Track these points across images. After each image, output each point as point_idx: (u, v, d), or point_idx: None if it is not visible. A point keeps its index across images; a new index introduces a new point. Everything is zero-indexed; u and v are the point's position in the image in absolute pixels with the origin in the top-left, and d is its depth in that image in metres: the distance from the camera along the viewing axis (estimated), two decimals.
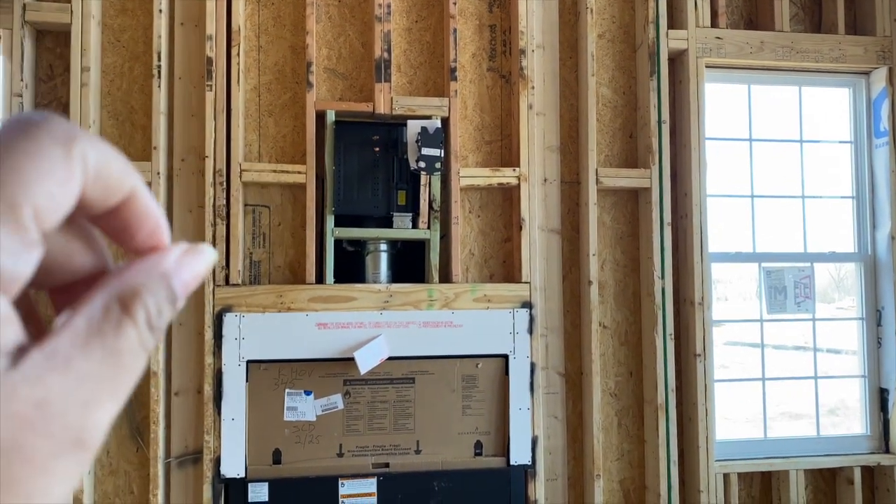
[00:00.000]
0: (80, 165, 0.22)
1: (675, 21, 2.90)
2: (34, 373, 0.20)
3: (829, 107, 3.17)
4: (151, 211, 0.25)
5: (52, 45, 2.59)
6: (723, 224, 3.03)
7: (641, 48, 2.86)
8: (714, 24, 2.92)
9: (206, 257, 0.26)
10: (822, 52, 2.96)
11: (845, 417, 3.21)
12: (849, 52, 2.98)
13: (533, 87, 2.73)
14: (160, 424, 2.45)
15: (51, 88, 2.59)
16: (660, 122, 2.78)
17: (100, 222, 0.25)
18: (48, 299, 0.26)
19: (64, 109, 2.49)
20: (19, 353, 0.20)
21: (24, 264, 0.21)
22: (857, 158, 3.13)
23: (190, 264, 0.25)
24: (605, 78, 2.90)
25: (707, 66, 2.89)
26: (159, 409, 2.45)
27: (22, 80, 2.46)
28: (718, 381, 2.86)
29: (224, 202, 2.49)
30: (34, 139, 0.22)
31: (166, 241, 0.26)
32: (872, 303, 3.06)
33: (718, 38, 2.89)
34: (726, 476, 2.80)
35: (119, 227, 0.25)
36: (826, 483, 2.99)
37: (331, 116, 2.54)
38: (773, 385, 3.09)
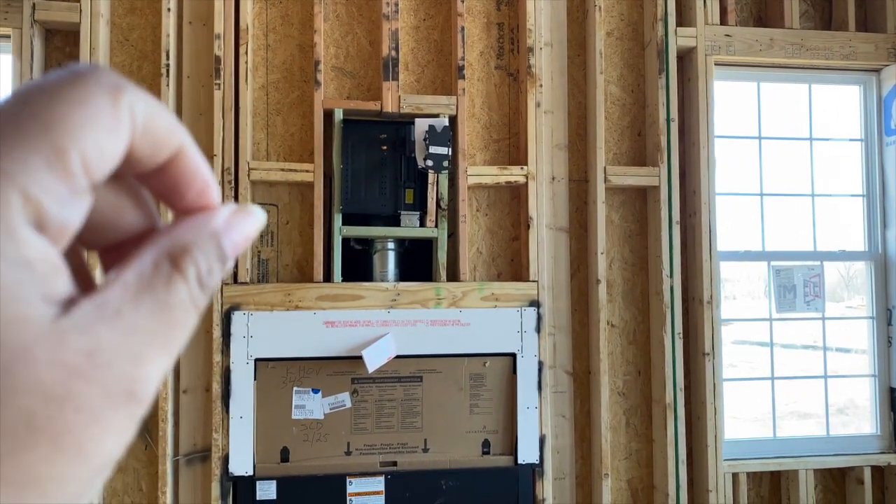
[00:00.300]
0: (128, 116, 0.22)
1: (684, 18, 2.89)
2: (84, 322, 0.20)
3: (840, 104, 3.15)
4: (201, 169, 0.25)
5: (61, 45, 2.60)
6: (732, 222, 3.01)
7: (650, 46, 2.85)
8: (723, 22, 2.91)
9: (255, 218, 0.25)
10: (832, 49, 2.94)
11: (854, 417, 3.19)
12: (859, 49, 2.96)
13: (541, 85, 2.72)
14: (168, 422, 2.46)
15: None
16: (668, 120, 2.77)
17: (148, 181, 0.25)
18: (98, 260, 0.26)
19: None
20: (69, 303, 0.20)
21: (73, 212, 0.21)
22: (867, 156, 3.11)
23: (240, 224, 0.24)
24: (613, 76, 2.89)
25: (716, 64, 2.88)
26: (168, 407, 2.45)
27: (31, 79, 2.47)
28: (727, 379, 2.85)
29: (232, 200, 2.50)
30: (81, 86, 0.21)
31: (216, 202, 0.25)
32: (883, 301, 3.04)
33: (728, 35, 2.87)
34: (735, 475, 2.79)
35: (167, 186, 0.24)
36: (836, 483, 2.97)
37: (339, 115, 2.55)
38: (782, 384, 3.07)
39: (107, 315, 0.20)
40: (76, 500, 0.19)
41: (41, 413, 0.18)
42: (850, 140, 3.14)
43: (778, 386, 3.03)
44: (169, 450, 2.46)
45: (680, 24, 2.86)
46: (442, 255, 2.57)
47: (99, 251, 0.25)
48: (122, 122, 0.22)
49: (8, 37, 2.48)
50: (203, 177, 0.25)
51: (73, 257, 0.23)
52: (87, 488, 0.20)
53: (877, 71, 3.06)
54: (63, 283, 0.21)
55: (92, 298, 0.20)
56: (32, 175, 0.20)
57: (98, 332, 0.20)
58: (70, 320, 0.20)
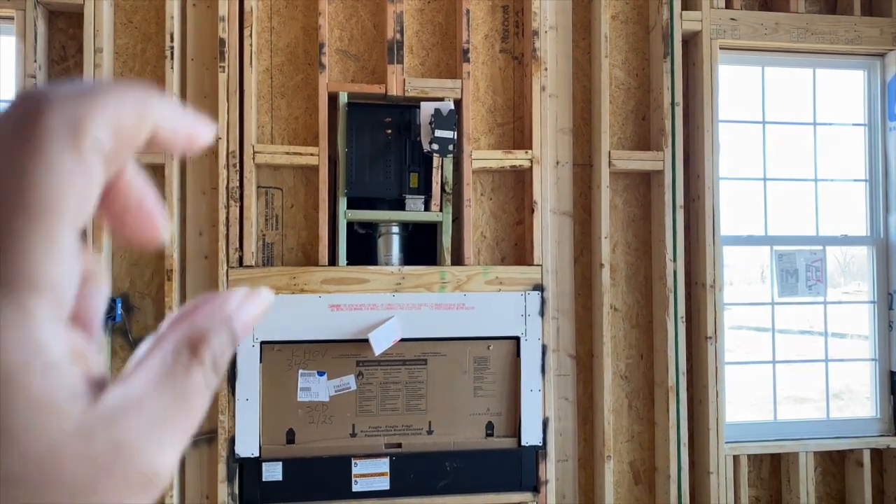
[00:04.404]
0: (96, 158, 0.21)
1: (690, 2, 2.88)
2: (111, 414, 0.20)
3: (844, 89, 3.15)
4: (147, 195, 0.25)
5: (64, 26, 2.59)
6: (735, 207, 3.02)
7: (655, 30, 2.84)
8: (728, 6, 2.90)
9: (263, 301, 0.26)
10: (837, 33, 2.94)
11: (850, 402, 3.22)
12: (864, 33, 2.95)
13: (546, 69, 2.71)
14: None
15: (64, 70, 2.59)
16: (673, 105, 2.77)
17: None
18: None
19: None
20: (95, 390, 0.21)
21: (73, 282, 0.22)
22: (870, 141, 3.11)
23: (249, 308, 0.26)
24: (618, 60, 2.89)
25: (721, 48, 2.87)
26: None
27: (35, 61, 2.46)
28: (729, 363, 2.87)
29: (237, 184, 2.50)
30: (35, 138, 0.20)
31: (160, 233, 0.25)
32: (884, 286, 3.06)
33: (733, 19, 2.86)
34: (736, 458, 2.82)
35: (114, 209, 0.24)
36: (835, 465, 3.00)
37: (343, 98, 2.54)
38: (782, 369, 3.10)
39: (131, 405, 0.21)
40: None
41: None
42: (854, 125, 3.14)
43: (779, 371, 3.05)
44: None
45: (685, 7, 2.85)
46: (446, 239, 2.57)
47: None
48: (90, 171, 0.21)
49: (11, 18, 2.46)
50: (148, 201, 0.25)
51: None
52: None
53: (881, 55, 3.05)
54: (87, 367, 0.21)
55: (117, 389, 0.21)
56: (45, 270, 0.20)
57: (124, 424, 0.21)
58: (97, 413, 0.20)
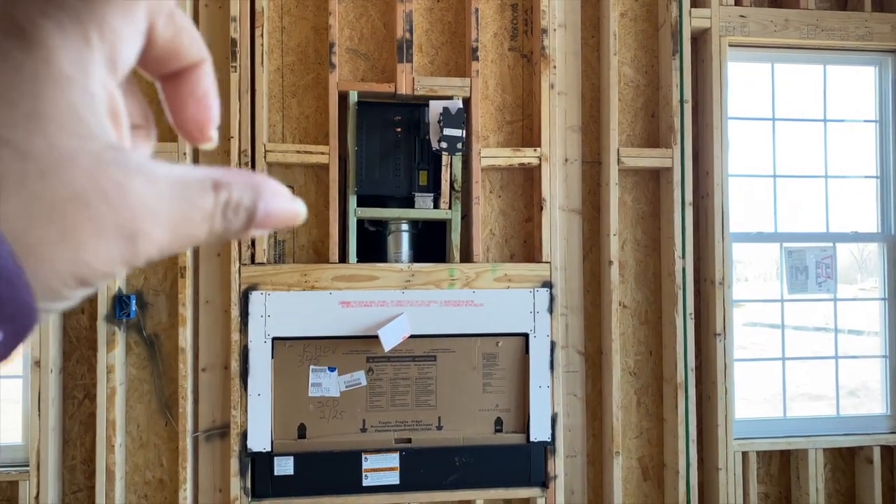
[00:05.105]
0: None
1: None
2: (129, 165, 0.23)
3: (854, 85, 3.14)
4: (211, 90, 0.28)
5: None
6: (745, 204, 3.02)
7: (664, 27, 2.84)
8: (738, 2, 2.90)
9: (296, 206, 0.28)
10: (847, 29, 2.93)
11: (866, 399, 3.21)
12: (875, 29, 2.94)
13: (555, 67, 2.73)
14: (188, 399, 2.51)
15: None
16: (682, 102, 2.77)
17: (163, 85, 0.28)
18: (160, 86, 0.29)
19: None
20: (123, 145, 0.24)
21: (133, 53, 0.25)
22: (881, 138, 3.10)
23: (281, 200, 0.27)
24: (627, 57, 2.89)
25: (730, 45, 2.87)
26: (187, 385, 2.51)
27: None
28: (738, 360, 2.87)
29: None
30: None
31: (213, 120, 0.29)
32: (895, 283, 3.05)
33: (742, 16, 2.86)
34: (745, 454, 2.83)
35: (177, 96, 0.28)
36: (845, 462, 3.00)
37: (353, 97, 2.57)
38: (794, 366, 3.09)
39: (149, 174, 0.23)
40: (52, 282, 0.22)
41: (62, 204, 0.21)
42: (865, 121, 3.12)
43: (790, 368, 3.05)
44: (189, 426, 2.52)
45: (694, 4, 2.85)
46: (455, 237, 2.59)
47: (160, 79, 0.29)
48: None
49: None
50: (210, 96, 0.28)
51: (130, 93, 0.27)
52: (63, 282, 0.22)
53: (893, 52, 3.04)
54: (119, 123, 0.25)
55: (146, 158, 0.24)
56: (110, 19, 0.24)
57: (134, 179, 0.23)
58: (117, 155, 0.23)
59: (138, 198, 0.23)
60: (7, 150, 0.21)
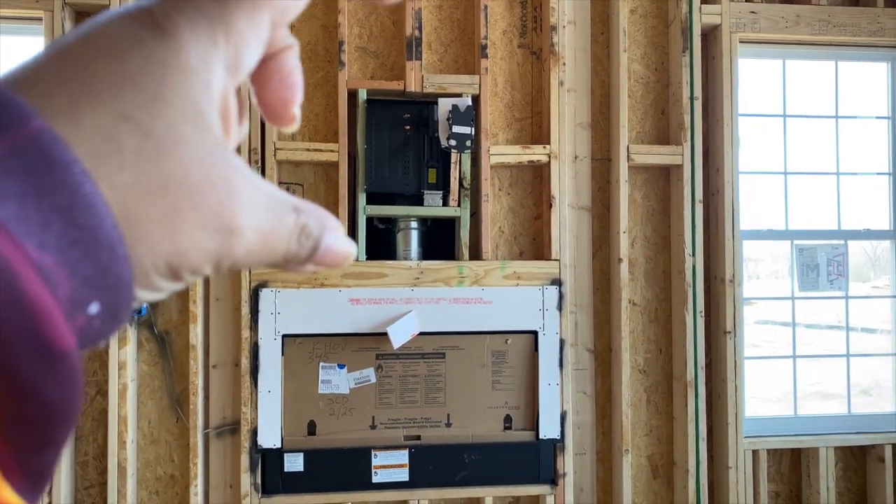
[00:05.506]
0: None
1: None
2: (238, 166, 0.24)
3: (866, 82, 3.11)
4: (296, 71, 0.29)
5: None
6: (755, 201, 3.00)
7: (674, 23, 2.83)
8: None
9: (350, 250, 0.29)
10: (859, 25, 2.90)
11: (879, 397, 3.19)
12: (887, 25, 2.92)
13: (564, 64, 2.72)
14: (199, 396, 2.53)
15: None
16: (692, 99, 2.76)
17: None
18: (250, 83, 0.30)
19: None
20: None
21: (255, 57, 0.26)
22: (893, 134, 3.07)
23: (340, 242, 0.28)
24: (636, 54, 2.88)
25: (741, 42, 2.86)
26: (198, 382, 2.52)
27: None
28: (749, 358, 2.86)
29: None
30: None
31: (296, 104, 0.29)
32: None
33: (753, 12, 2.84)
34: (755, 452, 2.82)
35: (264, 74, 0.29)
36: (856, 461, 2.98)
37: (362, 95, 2.57)
38: (805, 364, 3.08)
39: (251, 180, 0.25)
40: (145, 264, 0.22)
41: (172, 187, 0.22)
42: (877, 118, 3.10)
43: (802, 366, 3.03)
44: (200, 423, 2.53)
45: (704, 1, 2.84)
46: (464, 234, 2.60)
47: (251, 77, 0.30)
48: None
49: (40, 19, 2.52)
50: (296, 74, 0.29)
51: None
52: (155, 266, 0.23)
53: None
54: (228, 124, 0.26)
55: (245, 164, 0.25)
56: (237, 24, 0.25)
57: (240, 179, 0.24)
58: (226, 153, 0.24)
59: (243, 197, 0.24)
60: (130, 126, 0.22)
